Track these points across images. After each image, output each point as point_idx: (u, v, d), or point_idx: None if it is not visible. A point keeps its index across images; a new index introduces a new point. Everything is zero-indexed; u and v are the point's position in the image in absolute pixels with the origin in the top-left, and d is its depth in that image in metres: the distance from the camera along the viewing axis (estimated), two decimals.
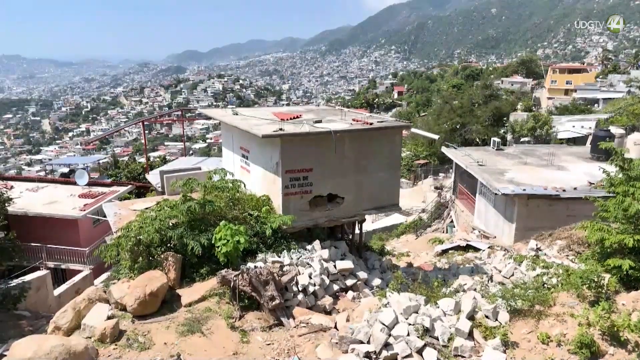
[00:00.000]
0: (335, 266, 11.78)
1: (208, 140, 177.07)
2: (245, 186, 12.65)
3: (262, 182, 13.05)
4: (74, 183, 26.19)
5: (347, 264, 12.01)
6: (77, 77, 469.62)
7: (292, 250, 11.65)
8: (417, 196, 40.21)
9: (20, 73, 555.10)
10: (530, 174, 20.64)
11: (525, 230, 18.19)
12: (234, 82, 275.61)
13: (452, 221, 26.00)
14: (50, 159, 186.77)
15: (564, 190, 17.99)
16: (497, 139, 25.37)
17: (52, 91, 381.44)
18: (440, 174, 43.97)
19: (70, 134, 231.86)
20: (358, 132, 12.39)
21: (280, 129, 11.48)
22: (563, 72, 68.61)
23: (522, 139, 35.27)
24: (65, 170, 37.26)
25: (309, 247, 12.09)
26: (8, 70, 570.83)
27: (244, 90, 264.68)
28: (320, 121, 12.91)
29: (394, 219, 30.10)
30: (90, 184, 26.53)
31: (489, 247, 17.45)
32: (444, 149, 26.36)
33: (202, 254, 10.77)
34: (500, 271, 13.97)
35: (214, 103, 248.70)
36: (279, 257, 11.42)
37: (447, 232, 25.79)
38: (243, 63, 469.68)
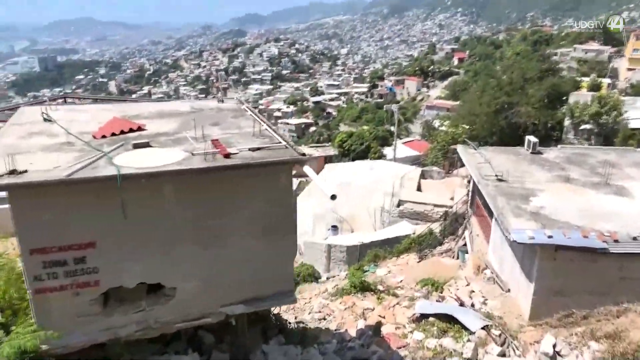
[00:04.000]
0: None
1: (260, 106, 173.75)
2: None
3: None
4: None
5: None
6: (145, 39, 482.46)
7: None
8: (448, 190, 33.50)
9: (93, 35, 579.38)
10: (571, 200, 13.94)
11: (550, 295, 11.90)
12: (290, 47, 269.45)
13: (465, 244, 19.68)
14: None
15: (616, 241, 11.36)
16: (533, 139, 18.39)
17: (122, 53, 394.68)
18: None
19: (134, 95, 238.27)
20: (197, 172, 6.76)
21: (13, 171, 6.01)
22: None
23: (582, 126, 27.53)
24: None
25: None
26: (82, 32, 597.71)
27: (300, 54, 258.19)
28: (147, 144, 7.35)
29: (401, 228, 24.06)
30: None
31: (483, 329, 11.33)
32: (459, 149, 19.80)
33: None
34: None
35: (269, 68, 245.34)
36: None
37: (458, 258, 19.56)
38: (303, 26, 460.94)
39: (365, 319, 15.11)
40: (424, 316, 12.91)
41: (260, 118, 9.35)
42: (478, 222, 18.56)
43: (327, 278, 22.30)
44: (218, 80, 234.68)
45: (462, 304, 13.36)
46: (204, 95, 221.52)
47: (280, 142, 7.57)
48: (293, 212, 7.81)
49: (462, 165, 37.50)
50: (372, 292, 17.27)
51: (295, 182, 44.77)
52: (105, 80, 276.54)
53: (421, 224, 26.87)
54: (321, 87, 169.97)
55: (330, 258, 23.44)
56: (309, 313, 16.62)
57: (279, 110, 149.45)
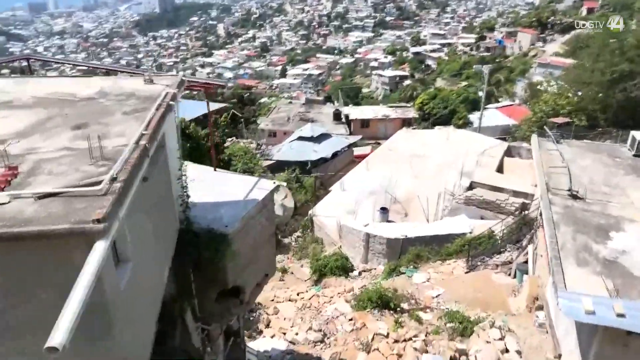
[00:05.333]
0: None
1: (357, 55, 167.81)
2: None
3: None
4: None
5: None
6: None
7: None
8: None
9: None
10: None
11: None
12: None
13: (526, 261, 15.40)
14: (218, 63, 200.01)
15: None
16: (638, 135, 13.22)
17: None
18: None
19: (239, 39, 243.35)
20: None
21: None
22: None
23: None
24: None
25: None
26: None
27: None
28: None
29: (456, 224, 20.06)
30: None
31: None
32: (532, 140, 15.19)
33: None
34: None
35: (373, 14, 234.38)
36: None
37: (514, 277, 15.49)
38: None
39: (368, 352, 12.18)
40: None
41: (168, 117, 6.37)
42: (544, 239, 14.20)
43: (360, 273, 19.39)
44: (319, 27, 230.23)
45: None
46: (304, 42, 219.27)
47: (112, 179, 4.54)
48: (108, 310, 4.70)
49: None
50: (392, 311, 14.14)
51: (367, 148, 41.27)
52: (215, 22, 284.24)
53: (488, 218, 22.50)
54: (425, 36, 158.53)
55: (368, 248, 20.38)
56: (308, 330, 13.99)
57: (375, 60, 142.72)
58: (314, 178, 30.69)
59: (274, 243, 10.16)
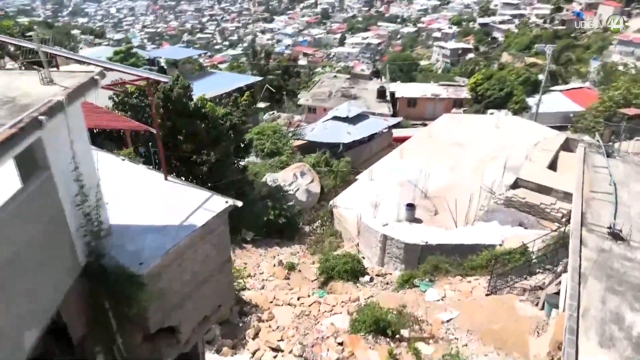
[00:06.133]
0: None
1: (420, 25, 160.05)
2: None
3: None
4: None
5: None
6: None
7: None
8: None
9: None
10: None
11: None
12: None
13: (558, 292, 12.96)
14: (278, 29, 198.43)
15: None
16: None
17: None
18: None
19: (301, 4, 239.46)
20: None
21: None
22: None
23: None
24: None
25: None
26: None
27: None
28: None
29: (485, 233, 17.63)
30: None
31: None
32: (578, 151, 12.49)
33: None
34: None
35: None
36: None
37: (542, 309, 13.17)
38: None
39: None
40: None
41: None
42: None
43: (371, 278, 17.62)
44: None
45: None
46: (367, 9, 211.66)
47: None
48: None
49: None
50: (388, 338, 12.37)
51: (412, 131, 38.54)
52: None
53: (528, 225, 19.82)
54: (495, 5, 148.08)
55: (385, 250, 18.51)
56: (290, 352, 12.52)
57: (439, 30, 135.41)
58: (345, 162, 28.82)
59: (228, 270, 8.63)
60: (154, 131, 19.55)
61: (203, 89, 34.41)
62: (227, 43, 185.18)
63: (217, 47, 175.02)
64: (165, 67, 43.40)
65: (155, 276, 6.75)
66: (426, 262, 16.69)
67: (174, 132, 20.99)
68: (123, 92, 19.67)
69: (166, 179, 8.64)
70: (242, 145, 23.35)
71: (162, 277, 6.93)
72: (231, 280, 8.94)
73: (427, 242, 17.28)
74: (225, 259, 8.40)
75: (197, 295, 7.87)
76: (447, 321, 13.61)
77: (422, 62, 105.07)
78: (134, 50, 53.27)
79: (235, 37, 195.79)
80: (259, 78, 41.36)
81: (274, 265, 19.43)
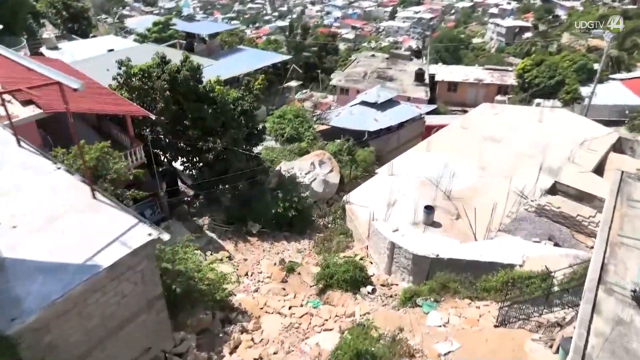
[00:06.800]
0: None
1: None
2: None
3: None
4: None
5: None
6: None
7: None
8: None
9: None
10: None
11: None
12: None
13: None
14: (329, 1, 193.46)
15: None
16: None
17: None
18: None
19: None
20: None
21: None
22: None
23: None
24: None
25: None
26: None
27: None
28: None
29: (505, 251, 15.56)
30: None
31: None
32: (611, 183, 10.30)
33: None
34: None
35: None
36: None
37: (556, 352, 11.31)
38: None
39: None
40: None
41: None
42: None
43: (373, 290, 16.15)
44: None
45: None
46: None
47: None
48: None
49: None
50: None
51: (448, 118, 35.97)
52: None
53: (560, 238, 17.58)
54: None
55: (392, 259, 16.91)
56: None
57: (496, 6, 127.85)
58: (369, 152, 27.05)
59: (160, 307, 7.43)
60: (153, 117, 18.63)
61: (226, 68, 33.30)
62: (276, 14, 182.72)
63: (266, 17, 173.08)
64: (206, 39, 42.50)
65: (37, 331, 5.62)
66: (434, 278, 15.00)
67: (181, 116, 19.99)
68: (125, 73, 18.75)
69: (94, 197, 7.45)
70: (255, 132, 22.06)
71: (51, 329, 5.80)
72: (164, 318, 7.73)
73: (437, 255, 15.52)
74: (154, 295, 7.20)
75: (112, 341, 6.74)
76: (445, 354, 12.03)
77: (475, 40, 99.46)
78: (173, 21, 52.72)
79: (285, 8, 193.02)
80: (287, 57, 39.61)
81: (274, 264, 18.31)
